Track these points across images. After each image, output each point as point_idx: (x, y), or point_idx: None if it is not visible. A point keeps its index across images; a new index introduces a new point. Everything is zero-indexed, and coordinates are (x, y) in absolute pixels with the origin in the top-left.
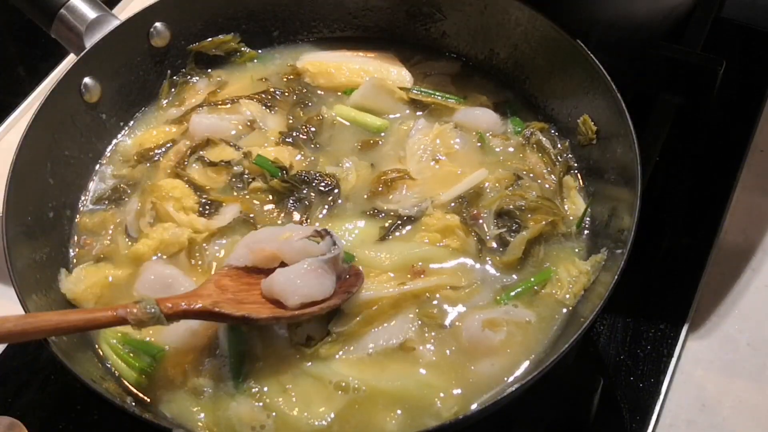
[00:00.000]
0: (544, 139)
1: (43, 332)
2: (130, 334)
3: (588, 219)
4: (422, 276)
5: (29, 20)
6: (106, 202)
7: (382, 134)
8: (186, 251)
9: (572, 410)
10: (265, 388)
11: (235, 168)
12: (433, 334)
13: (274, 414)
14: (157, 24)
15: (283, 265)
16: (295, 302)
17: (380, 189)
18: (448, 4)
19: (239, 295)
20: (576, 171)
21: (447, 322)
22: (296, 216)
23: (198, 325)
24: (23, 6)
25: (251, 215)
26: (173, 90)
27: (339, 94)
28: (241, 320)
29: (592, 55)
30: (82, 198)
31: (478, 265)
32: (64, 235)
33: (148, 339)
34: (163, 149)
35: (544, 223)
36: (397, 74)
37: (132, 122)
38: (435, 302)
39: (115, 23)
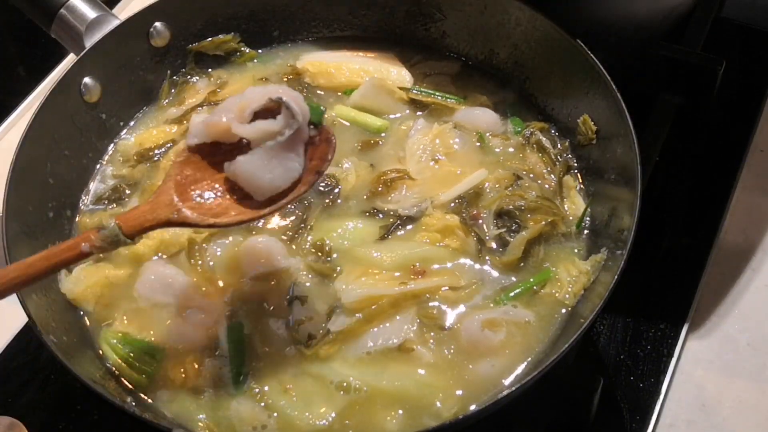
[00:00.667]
0: (544, 139)
1: (6, 288)
2: (130, 334)
3: (588, 219)
4: (422, 276)
5: (29, 20)
6: (106, 202)
7: (383, 134)
8: (186, 251)
9: (572, 410)
10: (266, 388)
11: None
12: (432, 334)
13: (275, 414)
14: (157, 24)
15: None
16: (263, 197)
17: (380, 189)
18: (448, 3)
19: (203, 187)
20: (576, 171)
21: (446, 323)
22: (296, 216)
23: (198, 324)
24: (23, 6)
25: None
26: (173, 90)
27: (339, 94)
28: (207, 227)
29: (592, 54)
30: (82, 198)
31: (477, 266)
32: (64, 235)
33: (148, 339)
34: (163, 149)
35: (543, 223)
36: (397, 74)
37: (132, 122)
38: (435, 302)
39: (115, 23)
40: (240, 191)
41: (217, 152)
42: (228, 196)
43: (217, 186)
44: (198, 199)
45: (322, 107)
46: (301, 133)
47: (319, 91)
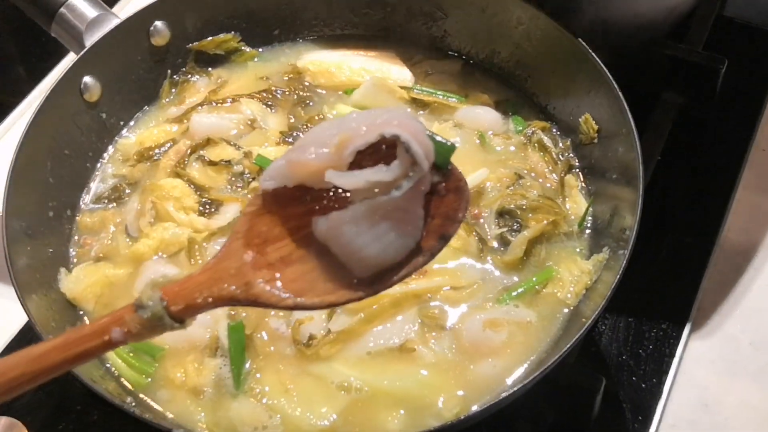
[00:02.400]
0: (546, 138)
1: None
2: None
3: (590, 218)
4: (423, 275)
5: (29, 19)
6: (106, 202)
7: None
8: (186, 251)
9: (574, 410)
10: (266, 388)
11: (235, 167)
12: (433, 334)
13: (277, 415)
14: (157, 23)
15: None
16: (366, 272)
17: None
18: (450, 2)
19: (281, 250)
20: (577, 170)
21: (448, 322)
22: None
23: (198, 324)
24: (23, 5)
25: None
26: (174, 89)
27: (340, 93)
28: (288, 309)
29: (593, 53)
30: (83, 197)
31: (479, 265)
32: (64, 234)
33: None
34: (164, 148)
35: (545, 222)
36: (398, 73)
37: (132, 121)
38: (436, 302)
39: (115, 22)
40: (331, 258)
41: (301, 200)
42: (315, 265)
43: (300, 249)
44: (275, 268)
45: (449, 142)
46: (422, 183)
47: (320, 90)
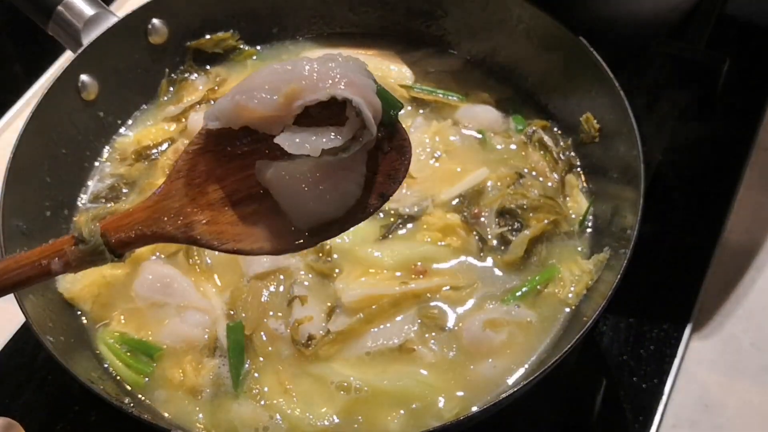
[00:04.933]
0: (546, 137)
1: None
2: (128, 333)
3: (591, 218)
4: (423, 275)
5: (26, 17)
6: (104, 201)
7: None
8: (184, 251)
9: (575, 411)
10: (266, 389)
11: None
12: (433, 334)
13: (277, 415)
14: (155, 21)
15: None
16: (305, 225)
17: None
18: (450, 0)
19: (222, 190)
20: (578, 169)
21: (448, 323)
22: None
23: (196, 324)
24: (20, 3)
25: None
26: (172, 88)
27: None
28: (226, 252)
29: (594, 52)
30: (80, 196)
31: (479, 264)
32: (61, 233)
33: (146, 339)
34: (162, 147)
35: (546, 221)
36: (397, 72)
37: (130, 120)
38: (436, 302)
39: (113, 20)
40: (273, 204)
41: (245, 141)
42: (256, 209)
43: (242, 190)
44: (215, 209)
45: (399, 102)
46: (369, 144)
47: None
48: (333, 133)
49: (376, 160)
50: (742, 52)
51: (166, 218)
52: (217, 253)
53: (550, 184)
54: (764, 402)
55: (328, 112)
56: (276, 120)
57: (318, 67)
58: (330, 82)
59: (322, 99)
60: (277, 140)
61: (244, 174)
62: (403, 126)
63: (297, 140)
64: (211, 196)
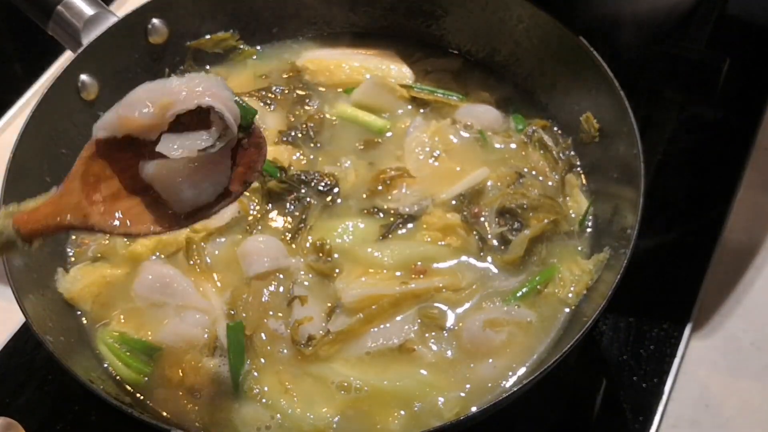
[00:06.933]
0: (546, 136)
1: None
2: (128, 333)
3: (591, 217)
4: (423, 275)
5: (26, 17)
6: None
7: (387, 135)
8: (184, 251)
9: (574, 411)
10: (266, 389)
11: None
12: (433, 334)
13: (277, 415)
14: (155, 20)
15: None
16: (183, 210)
17: (379, 188)
18: (449, 0)
19: (113, 187)
20: (578, 169)
21: (448, 323)
22: (295, 216)
23: (196, 324)
24: (20, 3)
25: (249, 215)
26: None
27: (339, 91)
28: (117, 236)
29: (594, 51)
30: None
31: (479, 264)
32: (61, 234)
33: (145, 339)
34: None
35: (546, 221)
36: (397, 71)
37: None
38: (436, 302)
39: (113, 20)
40: (155, 195)
41: (130, 147)
42: (141, 200)
43: (129, 186)
44: (108, 202)
45: (254, 109)
46: (231, 141)
47: (319, 89)
48: (205, 135)
49: (239, 155)
50: (742, 51)
51: (66, 211)
52: (217, 252)
53: (550, 183)
54: (765, 401)
55: (196, 119)
56: (153, 128)
57: (186, 83)
58: (196, 94)
59: (191, 108)
60: (158, 149)
61: (130, 173)
62: (260, 128)
63: (176, 146)
64: (104, 192)
